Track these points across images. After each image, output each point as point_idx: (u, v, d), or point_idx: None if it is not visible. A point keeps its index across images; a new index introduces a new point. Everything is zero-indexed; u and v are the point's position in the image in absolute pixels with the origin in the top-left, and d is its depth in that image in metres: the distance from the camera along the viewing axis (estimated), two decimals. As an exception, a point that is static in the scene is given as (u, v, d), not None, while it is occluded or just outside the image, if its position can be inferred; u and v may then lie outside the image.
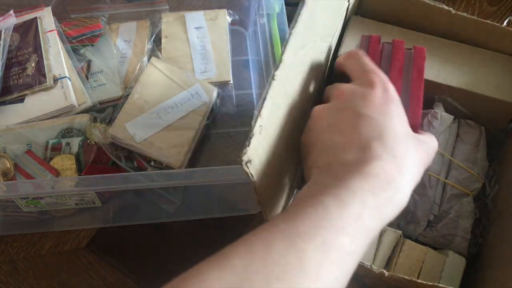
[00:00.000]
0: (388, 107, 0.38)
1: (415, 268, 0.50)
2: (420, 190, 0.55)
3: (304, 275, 0.29)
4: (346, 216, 0.32)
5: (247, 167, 0.34)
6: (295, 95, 0.42)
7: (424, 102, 0.58)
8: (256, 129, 0.35)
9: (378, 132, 0.37)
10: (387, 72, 0.44)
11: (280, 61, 0.39)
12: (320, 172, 0.37)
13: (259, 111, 0.36)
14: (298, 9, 0.42)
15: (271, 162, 0.38)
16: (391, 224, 0.52)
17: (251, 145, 0.34)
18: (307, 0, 0.41)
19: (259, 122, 0.35)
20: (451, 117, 0.57)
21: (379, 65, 0.46)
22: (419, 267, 0.50)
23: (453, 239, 0.53)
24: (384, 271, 0.40)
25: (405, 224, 0.55)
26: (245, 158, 0.34)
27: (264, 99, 0.37)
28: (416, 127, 0.42)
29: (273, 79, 0.38)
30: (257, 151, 0.35)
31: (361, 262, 0.41)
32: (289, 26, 0.64)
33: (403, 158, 0.36)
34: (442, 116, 0.57)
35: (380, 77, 0.41)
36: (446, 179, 0.55)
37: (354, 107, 0.39)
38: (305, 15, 0.42)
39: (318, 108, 0.41)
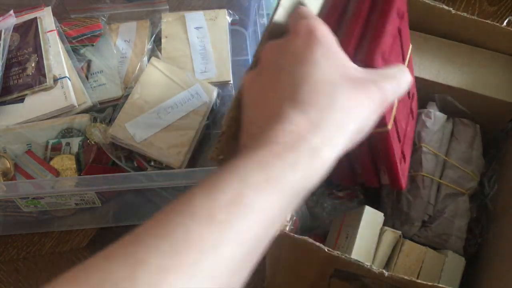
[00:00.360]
0: (309, 52, 0.31)
1: (414, 268, 0.50)
2: (413, 191, 0.55)
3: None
4: (216, 201, 0.26)
5: (220, 164, 0.34)
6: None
7: (422, 101, 0.59)
8: (226, 128, 0.35)
9: (292, 87, 0.31)
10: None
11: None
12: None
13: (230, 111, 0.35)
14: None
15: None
16: (386, 225, 0.52)
17: (221, 143, 0.34)
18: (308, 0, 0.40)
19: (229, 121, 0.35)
20: (444, 116, 0.57)
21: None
22: (418, 267, 0.50)
23: (448, 238, 0.53)
24: (384, 271, 0.40)
25: (399, 224, 0.55)
26: (215, 155, 0.34)
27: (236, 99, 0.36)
28: (372, 61, 0.36)
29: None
30: (229, 148, 0.35)
31: (360, 262, 0.41)
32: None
33: (321, 111, 0.29)
34: (435, 116, 0.57)
35: (307, 22, 0.33)
36: (440, 178, 0.55)
37: (274, 66, 0.32)
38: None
39: (245, 77, 0.34)
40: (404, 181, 0.48)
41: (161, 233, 0.25)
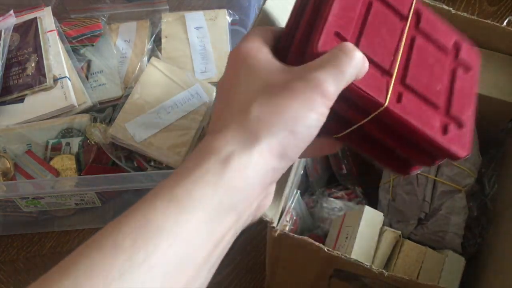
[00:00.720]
0: (233, 77, 0.31)
1: (414, 268, 0.50)
2: (408, 189, 0.55)
3: None
4: (122, 228, 0.25)
5: None
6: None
7: None
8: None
9: (219, 112, 0.30)
10: None
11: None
12: None
13: None
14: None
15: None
16: (384, 224, 0.52)
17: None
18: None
19: None
20: None
21: None
22: (418, 267, 0.50)
23: (445, 235, 0.53)
24: (384, 271, 0.40)
25: (395, 223, 0.55)
26: None
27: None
28: (312, 49, 0.31)
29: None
30: None
31: (360, 262, 0.41)
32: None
33: (237, 129, 0.28)
34: None
35: (237, 46, 0.33)
36: (436, 176, 0.55)
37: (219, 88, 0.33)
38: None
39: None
40: (463, 147, 0.37)
41: (65, 270, 0.24)
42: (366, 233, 0.50)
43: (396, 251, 0.50)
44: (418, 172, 0.40)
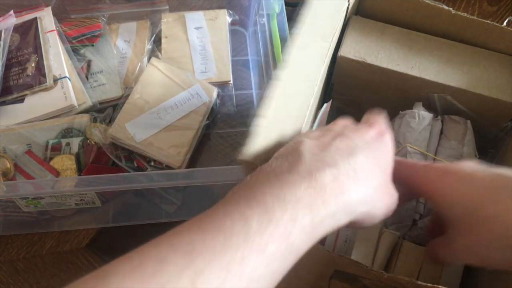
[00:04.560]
0: (375, 144, 0.36)
1: (414, 268, 0.50)
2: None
3: None
4: (268, 235, 0.27)
5: (246, 166, 0.34)
6: (296, 96, 0.42)
7: (412, 102, 0.59)
8: (256, 129, 0.35)
9: (351, 149, 0.34)
10: None
11: (283, 61, 0.39)
12: (269, 161, 0.32)
13: (261, 111, 0.36)
14: (300, 10, 0.41)
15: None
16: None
17: (250, 144, 0.34)
18: (308, 1, 0.41)
19: (260, 121, 0.35)
20: (430, 115, 0.57)
21: None
22: (418, 267, 0.50)
23: None
24: (383, 272, 0.40)
25: (390, 225, 0.55)
26: (244, 157, 0.34)
27: (266, 99, 0.37)
28: None
29: (276, 79, 0.37)
30: (256, 151, 0.35)
31: (360, 263, 0.41)
32: (289, 26, 0.64)
33: (365, 179, 0.33)
34: (420, 115, 0.57)
35: (381, 125, 0.39)
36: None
37: (341, 133, 0.36)
38: (307, 15, 0.41)
39: (305, 141, 0.35)
40: None
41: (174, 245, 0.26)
42: (365, 237, 0.50)
43: (396, 253, 0.50)
44: None
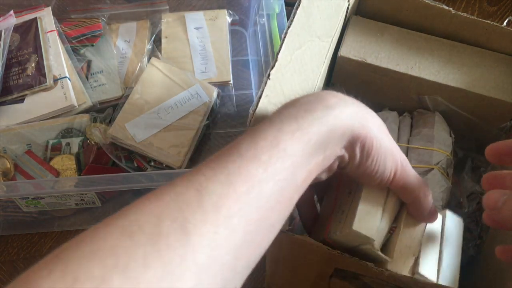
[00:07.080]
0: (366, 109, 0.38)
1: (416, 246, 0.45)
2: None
3: (202, 210, 0.27)
4: (259, 145, 0.31)
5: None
6: (292, 95, 0.42)
7: (412, 102, 0.59)
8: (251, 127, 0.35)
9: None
10: None
11: (276, 60, 0.39)
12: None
13: (254, 110, 0.36)
14: (294, 10, 0.41)
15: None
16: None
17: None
18: (302, 1, 0.41)
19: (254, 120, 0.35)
20: (394, 112, 0.59)
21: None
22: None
23: None
24: (383, 270, 0.40)
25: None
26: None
27: (260, 97, 0.37)
28: None
29: (269, 78, 0.38)
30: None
31: (360, 261, 0.41)
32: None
33: (353, 103, 0.36)
34: (383, 114, 0.59)
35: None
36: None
37: None
38: (300, 15, 0.42)
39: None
40: None
41: (216, 167, 0.30)
42: (371, 195, 0.42)
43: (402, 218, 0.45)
44: None
